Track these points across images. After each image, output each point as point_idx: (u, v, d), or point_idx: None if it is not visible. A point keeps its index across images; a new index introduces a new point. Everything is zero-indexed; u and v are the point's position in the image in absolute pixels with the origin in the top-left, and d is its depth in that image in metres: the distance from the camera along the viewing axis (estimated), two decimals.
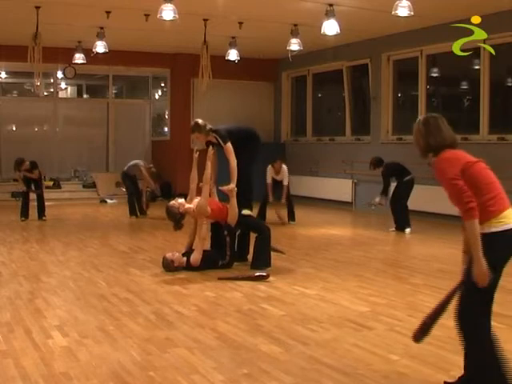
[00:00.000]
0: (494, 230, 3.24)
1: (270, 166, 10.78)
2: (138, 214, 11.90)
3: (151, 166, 12.86)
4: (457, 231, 11.13)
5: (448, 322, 4.93)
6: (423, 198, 11.49)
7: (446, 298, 3.47)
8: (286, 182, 10.79)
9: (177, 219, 6.96)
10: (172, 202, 7.05)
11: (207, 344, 4.38)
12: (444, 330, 4.72)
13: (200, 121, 7.21)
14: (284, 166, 10.85)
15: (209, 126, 7.13)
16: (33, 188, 11.34)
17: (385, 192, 9.92)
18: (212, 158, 7.04)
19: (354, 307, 5.45)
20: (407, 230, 9.80)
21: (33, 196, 11.34)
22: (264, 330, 4.72)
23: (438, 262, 7.58)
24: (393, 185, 10.06)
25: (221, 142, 7.02)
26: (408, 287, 6.24)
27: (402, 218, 9.85)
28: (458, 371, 3.84)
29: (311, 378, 3.77)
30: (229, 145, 7.00)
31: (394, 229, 9.93)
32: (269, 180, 10.80)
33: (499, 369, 3.30)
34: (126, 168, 12.15)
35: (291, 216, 11.02)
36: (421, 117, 3.60)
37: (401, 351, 4.26)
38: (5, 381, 3.69)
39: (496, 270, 3.29)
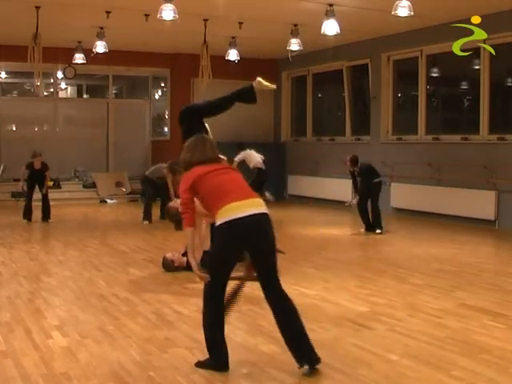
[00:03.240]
0: (217, 223, 3.80)
1: None
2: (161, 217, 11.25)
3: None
4: (456, 231, 11.06)
5: (448, 323, 4.95)
6: (422, 198, 11.52)
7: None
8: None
9: (177, 219, 6.96)
10: (171, 204, 7.07)
11: None
12: (444, 330, 4.74)
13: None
14: None
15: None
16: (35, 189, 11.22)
17: (357, 191, 10.03)
18: None
19: (353, 307, 5.45)
20: (378, 231, 9.77)
21: (36, 196, 11.17)
22: (264, 330, 4.72)
23: (437, 262, 7.58)
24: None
25: None
26: (408, 287, 6.24)
27: (374, 218, 9.85)
28: (459, 371, 3.86)
29: (311, 378, 3.77)
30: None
31: (363, 230, 9.95)
32: None
33: (219, 350, 3.84)
34: (147, 172, 11.91)
35: None
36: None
37: (401, 351, 4.25)
38: (5, 381, 3.68)
39: (222, 257, 3.89)
